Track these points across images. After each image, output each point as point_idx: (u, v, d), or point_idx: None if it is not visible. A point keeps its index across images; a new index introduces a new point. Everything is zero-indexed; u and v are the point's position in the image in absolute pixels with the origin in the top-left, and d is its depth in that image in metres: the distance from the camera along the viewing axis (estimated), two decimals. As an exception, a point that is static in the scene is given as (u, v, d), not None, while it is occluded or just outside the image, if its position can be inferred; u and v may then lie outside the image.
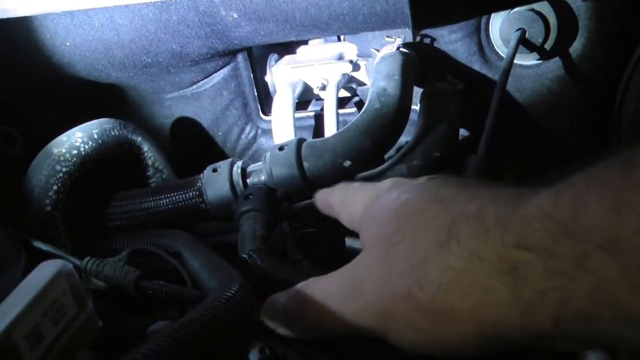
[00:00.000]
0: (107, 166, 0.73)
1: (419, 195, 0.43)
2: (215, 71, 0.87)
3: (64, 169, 0.67)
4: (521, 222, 0.34)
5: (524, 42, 0.78)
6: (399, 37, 0.81)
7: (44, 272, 0.44)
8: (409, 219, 0.41)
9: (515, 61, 0.77)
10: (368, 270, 0.43)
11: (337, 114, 0.83)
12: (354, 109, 0.90)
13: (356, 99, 0.93)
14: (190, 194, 0.69)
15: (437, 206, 0.40)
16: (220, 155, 0.92)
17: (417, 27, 0.74)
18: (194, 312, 0.41)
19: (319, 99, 0.93)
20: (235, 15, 0.75)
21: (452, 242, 0.37)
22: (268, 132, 0.90)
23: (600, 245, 0.30)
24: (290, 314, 0.49)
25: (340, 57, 0.90)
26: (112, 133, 0.72)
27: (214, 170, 0.69)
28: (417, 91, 0.80)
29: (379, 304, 0.41)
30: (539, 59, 0.81)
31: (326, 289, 0.47)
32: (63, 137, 0.69)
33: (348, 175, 0.68)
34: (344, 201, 0.54)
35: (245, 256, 0.58)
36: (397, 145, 0.72)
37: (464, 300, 0.36)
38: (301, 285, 0.49)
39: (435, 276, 0.37)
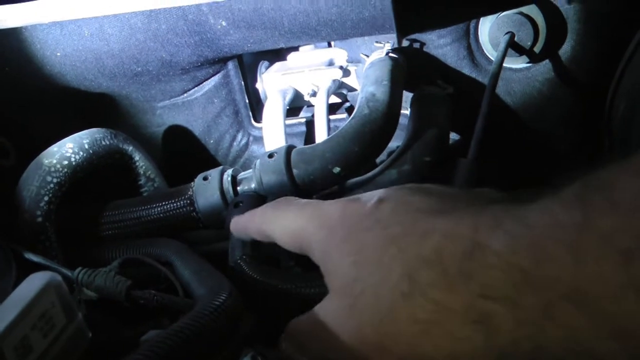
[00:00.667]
0: (99, 176, 0.73)
1: (372, 237, 0.42)
2: (206, 79, 0.87)
3: (55, 180, 0.67)
4: (483, 271, 0.33)
5: (513, 46, 0.78)
6: (387, 42, 0.81)
7: (32, 284, 0.44)
8: (367, 268, 0.41)
9: (504, 64, 0.77)
10: (338, 319, 0.42)
11: (328, 120, 0.83)
12: (344, 115, 0.91)
13: (347, 104, 0.93)
14: (182, 202, 0.69)
15: (391, 248, 0.39)
16: (213, 163, 0.93)
17: (402, 32, 0.74)
18: (182, 320, 0.42)
19: (309, 105, 0.93)
20: (224, 24, 0.76)
21: (415, 293, 0.37)
22: (260, 140, 0.91)
23: (564, 296, 0.30)
24: (287, 352, 0.48)
25: (331, 63, 0.91)
26: (103, 143, 0.72)
27: (205, 179, 0.69)
28: (407, 95, 0.80)
29: (358, 355, 0.41)
30: (528, 62, 0.81)
31: (307, 331, 0.46)
32: (54, 148, 0.69)
33: (337, 181, 0.68)
34: (289, 231, 0.51)
35: (235, 264, 0.58)
36: (388, 150, 0.72)
37: (437, 351, 0.36)
38: (290, 325, 0.49)
39: (406, 328, 0.37)
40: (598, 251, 0.29)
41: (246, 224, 0.57)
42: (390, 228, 0.41)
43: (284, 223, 0.51)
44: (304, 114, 0.93)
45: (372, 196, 0.45)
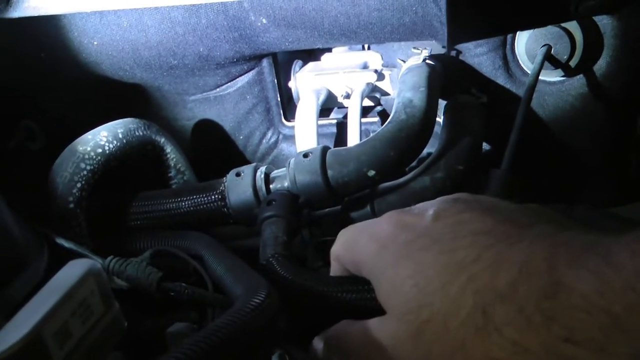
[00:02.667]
0: (130, 166, 0.73)
1: (433, 258, 0.40)
2: (240, 75, 0.87)
3: (88, 167, 0.67)
4: (566, 313, 0.32)
5: (549, 59, 0.78)
6: (425, 48, 0.81)
7: (73, 271, 0.44)
8: (433, 294, 0.39)
9: (539, 77, 0.77)
10: (401, 344, 0.41)
11: (361, 123, 0.83)
12: (376, 118, 0.90)
13: (379, 108, 0.93)
14: (213, 197, 0.69)
15: (460, 276, 0.38)
16: (241, 159, 0.93)
17: (453, 41, 0.74)
18: (222, 318, 0.41)
19: (340, 106, 0.93)
20: (264, 21, 0.76)
21: (490, 329, 0.35)
22: (289, 138, 0.91)
23: None
24: (324, 357, 0.47)
25: (365, 66, 0.91)
26: (137, 133, 0.72)
27: (237, 175, 0.69)
28: (441, 103, 0.80)
29: None
30: (563, 76, 0.81)
31: (359, 343, 0.44)
32: (88, 136, 0.69)
33: (371, 185, 0.68)
34: (347, 249, 0.50)
35: (266, 261, 0.58)
36: (420, 157, 0.72)
37: None
38: (335, 329, 0.47)
39: None
40: None
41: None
42: (455, 253, 0.39)
43: (342, 239, 0.50)
44: (335, 115, 0.93)
45: (425, 209, 0.44)
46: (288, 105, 0.93)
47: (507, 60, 0.81)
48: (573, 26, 0.77)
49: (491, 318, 0.35)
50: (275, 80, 0.88)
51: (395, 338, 0.41)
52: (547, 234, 0.37)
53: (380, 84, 0.90)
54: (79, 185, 0.66)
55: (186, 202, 0.70)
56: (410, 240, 0.42)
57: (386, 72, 0.90)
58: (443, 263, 0.39)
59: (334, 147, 0.81)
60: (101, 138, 0.69)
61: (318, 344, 0.48)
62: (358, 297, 0.50)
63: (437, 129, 0.77)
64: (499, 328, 0.35)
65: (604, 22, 0.76)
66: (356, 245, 0.47)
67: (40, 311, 0.40)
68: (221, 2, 0.75)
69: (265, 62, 0.86)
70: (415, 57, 0.82)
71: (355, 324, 0.45)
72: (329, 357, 0.46)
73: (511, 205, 0.43)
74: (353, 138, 0.82)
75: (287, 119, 0.92)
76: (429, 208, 0.44)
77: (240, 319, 0.41)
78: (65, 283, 0.42)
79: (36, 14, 0.73)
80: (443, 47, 0.82)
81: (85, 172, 0.67)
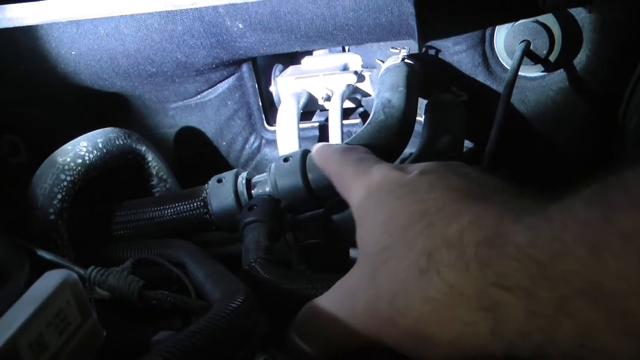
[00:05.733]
0: (111, 175, 0.73)
1: (405, 206, 0.43)
2: (220, 81, 0.87)
3: (68, 178, 0.67)
4: (499, 260, 0.34)
5: (528, 54, 0.78)
6: (403, 48, 0.81)
7: (48, 282, 0.44)
8: (395, 237, 0.41)
9: (519, 73, 0.77)
10: (358, 288, 0.43)
11: (342, 125, 0.83)
12: (358, 120, 0.90)
13: (360, 109, 0.93)
14: (195, 204, 0.69)
15: (420, 223, 0.40)
16: (224, 165, 0.92)
17: (423, 39, 0.74)
18: (198, 322, 0.41)
19: (322, 109, 0.93)
20: (240, 26, 0.76)
21: (432, 272, 0.37)
22: (272, 143, 0.91)
23: (580, 291, 0.30)
24: (301, 334, 0.49)
25: (345, 68, 0.91)
26: (117, 142, 0.72)
27: (219, 181, 0.69)
28: (422, 102, 0.80)
29: (370, 325, 0.42)
30: (543, 71, 0.81)
31: (326, 306, 0.46)
32: (68, 146, 0.69)
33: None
34: (338, 176, 0.55)
35: (249, 266, 0.58)
36: (402, 156, 0.72)
37: (443, 331, 0.36)
38: (307, 305, 0.49)
39: (416, 305, 0.38)
40: (618, 249, 0.29)
41: (318, 160, 0.61)
42: (424, 203, 0.41)
43: (341, 173, 0.55)
44: (317, 118, 0.93)
45: (416, 167, 0.47)
46: (270, 110, 0.93)
47: (487, 57, 0.82)
48: (551, 21, 0.77)
49: (434, 261, 0.37)
50: (256, 85, 0.88)
51: (355, 280, 0.44)
52: (505, 197, 0.40)
53: (360, 85, 0.90)
54: (59, 196, 0.66)
55: (169, 210, 0.70)
56: (391, 190, 0.45)
57: (366, 73, 0.90)
58: (411, 211, 0.42)
59: (317, 150, 0.81)
60: (81, 148, 0.69)
61: (290, 336, 0.49)
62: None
63: (418, 128, 0.77)
64: (439, 271, 0.37)
65: (582, 15, 0.77)
66: (350, 188, 0.51)
67: (14, 323, 0.39)
68: (197, 9, 0.75)
69: (245, 67, 0.86)
70: (393, 57, 0.82)
71: (318, 297, 0.48)
72: (303, 342, 0.48)
73: (492, 177, 0.46)
74: (334, 140, 0.82)
75: (269, 124, 0.92)
76: (418, 167, 0.47)
77: (215, 323, 0.41)
78: (41, 294, 0.42)
79: (12, 26, 0.73)
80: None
81: (65, 183, 0.66)
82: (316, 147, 0.62)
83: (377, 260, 0.42)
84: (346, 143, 0.68)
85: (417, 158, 0.71)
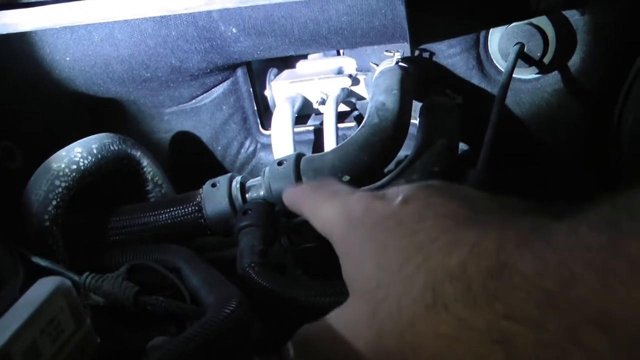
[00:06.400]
0: (106, 181, 0.73)
1: (396, 239, 0.41)
2: (215, 86, 0.87)
3: (63, 184, 0.67)
4: (507, 291, 0.33)
5: (522, 56, 0.78)
6: (397, 51, 0.81)
7: (42, 289, 0.44)
8: (391, 273, 0.40)
9: (514, 75, 0.77)
10: (357, 326, 0.42)
11: (337, 128, 0.83)
12: (353, 123, 0.90)
13: (355, 113, 0.93)
14: (190, 209, 0.69)
15: (417, 256, 0.39)
16: (220, 169, 0.92)
17: (415, 42, 0.74)
18: (192, 329, 0.41)
19: (318, 113, 0.93)
20: (234, 30, 0.76)
21: (439, 307, 0.36)
22: (267, 147, 0.90)
23: (589, 319, 0.29)
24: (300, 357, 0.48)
25: (340, 72, 0.91)
26: (112, 148, 0.72)
27: (213, 185, 0.69)
28: (416, 105, 0.80)
29: None
30: (537, 73, 0.81)
31: (325, 339, 0.45)
32: (62, 152, 0.69)
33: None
34: (315, 213, 0.52)
35: (243, 271, 0.58)
36: (396, 159, 0.72)
37: None
38: (298, 334, 0.48)
39: (428, 342, 0.37)
40: (627, 276, 0.28)
41: (290, 202, 0.57)
42: (416, 235, 0.40)
43: (318, 209, 0.51)
44: (312, 122, 0.93)
45: (397, 194, 0.45)
46: (265, 114, 0.93)
47: (481, 59, 0.82)
48: (545, 23, 0.77)
49: (440, 296, 0.36)
50: (251, 90, 0.89)
51: (352, 319, 0.43)
52: (500, 217, 0.38)
53: (355, 89, 0.90)
54: (54, 202, 0.66)
55: (163, 215, 0.70)
56: (377, 223, 0.43)
57: (361, 77, 0.90)
58: (404, 244, 0.40)
59: (312, 153, 0.81)
60: (75, 154, 0.69)
61: (288, 350, 0.48)
62: (334, 300, 0.50)
63: (413, 130, 0.77)
64: (446, 305, 0.36)
65: (575, 18, 0.77)
66: (330, 222, 0.49)
67: (8, 330, 0.39)
68: (190, 13, 0.75)
69: (239, 72, 0.86)
70: (388, 60, 0.82)
71: (316, 322, 0.46)
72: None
73: (479, 193, 0.44)
74: (329, 144, 0.82)
75: (264, 128, 0.92)
76: (399, 193, 0.45)
77: (209, 329, 0.41)
78: (34, 301, 0.42)
79: (6, 32, 0.73)
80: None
81: (60, 189, 0.67)
82: (285, 192, 0.59)
83: (374, 297, 0.41)
84: (340, 146, 0.68)
85: (411, 161, 0.71)
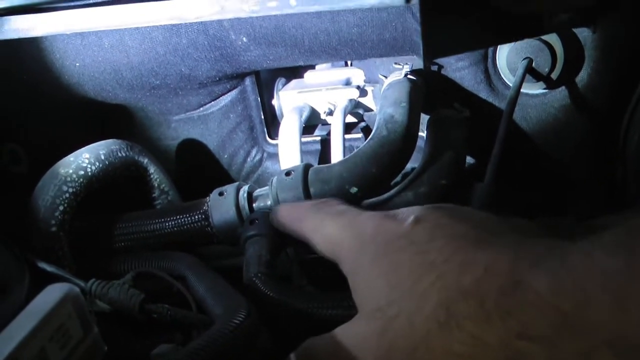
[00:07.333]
0: (113, 187, 0.73)
1: (408, 259, 0.42)
2: (223, 94, 0.87)
3: (70, 190, 0.67)
4: (522, 309, 0.33)
5: (530, 71, 0.78)
6: (406, 63, 0.81)
7: (50, 296, 0.44)
8: (402, 291, 0.40)
9: (521, 90, 0.77)
10: (366, 342, 0.42)
11: (344, 139, 0.83)
12: (360, 135, 0.90)
13: (363, 124, 0.93)
14: (196, 217, 0.69)
15: (430, 275, 0.39)
16: (226, 178, 0.92)
17: (429, 57, 0.74)
18: (201, 339, 0.41)
19: (325, 123, 0.93)
20: (244, 40, 0.76)
21: (452, 324, 0.36)
22: (274, 156, 0.91)
23: (604, 342, 0.30)
24: None
25: (348, 83, 0.91)
26: (119, 154, 0.72)
27: (220, 194, 0.69)
28: (424, 118, 0.80)
29: None
30: (545, 88, 0.81)
31: (326, 351, 0.45)
32: (70, 158, 0.69)
33: (354, 202, 0.68)
34: (318, 233, 0.52)
35: (249, 281, 0.58)
36: (403, 172, 0.72)
37: None
38: (303, 347, 0.48)
39: (440, 358, 0.37)
40: None
41: (287, 220, 0.58)
42: (428, 254, 0.40)
43: (321, 227, 0.52)
44: (319, 132, 0.93)
45: (408, 214, 0.45)
46: (272, 123, 0.93)
47: (489, 73, 0.82)
48: (553, 39, 0.78)
49: (453, 313, 0.36)
50: (259, 99, 0.89)
51: (361, 336, 0.42)
52: (514, 239, 0.39)
53: (363, 100, 0.90)
54: (61, 208, 0.66)
55: (170, 223, 0.70)
56: (388, 242, 0.44)
57: (369, 88, 0.90)
58: (416, 263, 0.41)
59: (319, 164, 0.81)
60: (83, 160, 0.69)
61: None
62: (342, 313, 0.50)
63: (420, 143, 0.77)
64: (460, 323, 0.36)
65: (584, 34, 0.77)
66: (338, 242, 0.49)
67: (16, 337, 0.39)
68: (201, 22, 0.75)
69: (248, 81, 0.87)
70: (396, 72, 0.82)
71: (322, 336, 0.46)
72: None
73: (489, 215, 0.45)
74: (337, 155, 0.82)
75: (271, 137, 0.92)
76: (411, 213, 0.45)
77: (219, 339, 0.41)
78: (43, 308, 0.42)
79: (17, 37, 0.73)
80: (425, 62, 0.82)
81: (67, 195, 0.67)
82: (280, 209, 0.60)
83: (384, 314, 0.41)
84: (348, 158, 0.68)
85: (419, 174, 0.71)
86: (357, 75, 0.92)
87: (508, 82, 0.81)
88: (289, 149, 0.83)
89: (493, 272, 0.36)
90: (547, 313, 0.32)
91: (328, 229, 0.51)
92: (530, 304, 0.33)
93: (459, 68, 0.81)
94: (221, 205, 0.68)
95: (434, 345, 0.37)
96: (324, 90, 0.88)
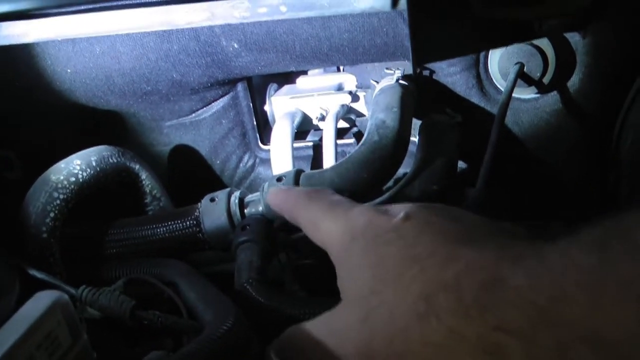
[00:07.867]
0: (105, 193, 0.73)
1: (394, 252, 0.42)
2: (215, 100, 0.87)
3: (61, 196, 0.66)
4: (499, 304, 0.34)
5: (522, 76, 0.78)
6: (398, 69, 0.81)
7: (39, 303, 0.43)
8: (386, 282, 0.41)
9: (513, 95, 0.77)
10: (347, 328, 0.42)
11: (336, 145, 0.83)
12: (352, 140, 0.91)
13: (355, 129, 0.93)
14: (188, 223, 0.69)
15: (413, 268, 0.40)
16: (218, 183, 0.92)
17: (418, 62, 0.74)
18: (189, 346, 0.41)
19: (317, 129, 0.93)
20: (235, 46, 0.76)
21: (431, 316, 0.37)
22: (266, 162, 0.91)
23: (580, 337, 0.30)
24: (283, 358, 0.48)
25: (340, 88, 0.91)
26: (111, 160, 0.72)
27: (212, 200, 0.69)
28: (416, 123, 0.80)
29: None
30: (537, 93, 0.81)
31: (311, 340, 0.45)
32: (61, 164, 0.69)
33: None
34: (310, 222, 0.53)
35: (241, 287, 0.57)
36: (395, 177, 0.72)
37: None
38: (292, 330, 0.48)
39: (417, 349, 0.37)
40: (616, 296, 0.29)
41: (282, 204, 0.58)
42: (414, 248, 0.41)
43: (313, 216, 0.52)
44: (311, 138, 0.93)
45: (399, 210, 0.46)
46: (264, 129, 0.93)
47: (481, 79, 0.82)
48: (545, 43, 0.78)
49: (433, 306, 0.37)
50: (251, 104, 0.89)
51: (343, 323, 0.43)
52: (498, 239, 0.40)
53: (355, 106, 0.90)
54: (52, 214, 0.66)
55: (161, 229, 0.69)
56: (378, 235, 0.44)
57: (360, 94, 0.90)
58: (402, 256, 0.41)
59: (311, 169, 0.81)
60: (74, 166, 0.69)
61: (270, 355, 0.48)
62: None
63: (412, 148, 0.77)
64: (438, 315, 0.36)
65: (575, 39, 0.77)
66: (329, 232, 0.50)
67: (4, 345, 0.39)
68: (192, 28, 0.75)
69: (240, 87, 0.87)
70: (388, 77, 0.82)
71: (303, 324, 0.46)
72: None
73: (478, 217, 0.46)
74: (328, 160, 0.82)
75: (263, 143, 0.92)
76: (402, 210, 0.46)
77: (207, 346, 0.41)
78: (31, 315, 0.42)
79: (8, 43, 0.73)
80: (416, 67, 0.82)
81: (58, 202, 0.66)
82: (272, 192, 0.60)
83: (367, 303, 0.41)
84: (339, 163, 0.68)
85: (410, 179, 0.71)
86: (349, 80, 0.92)
87: (500, 87, 0.81)
88: (281, 155, 0.83)
89: (474, 268, 0.37)
90: (524, 308, 0.32)
91: (325, 224, 0.51)
92: (508, 299, 0.33)
93: (450, 73, 0.81)
94: (212, 212, 0.68)
95: (412, 336, 0.38)
96: (316, 96, 0.88)
